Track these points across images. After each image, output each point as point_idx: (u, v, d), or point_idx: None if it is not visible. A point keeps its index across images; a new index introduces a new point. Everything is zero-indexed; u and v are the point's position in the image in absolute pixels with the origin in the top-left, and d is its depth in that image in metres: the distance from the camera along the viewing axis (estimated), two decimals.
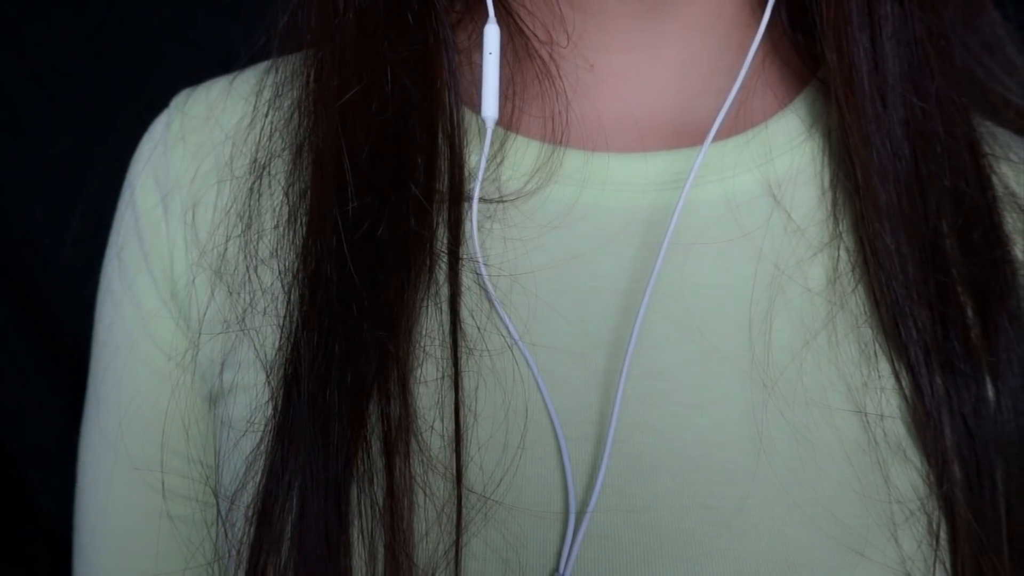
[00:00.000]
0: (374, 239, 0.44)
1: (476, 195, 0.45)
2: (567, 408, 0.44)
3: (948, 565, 0.43)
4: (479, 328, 0.44)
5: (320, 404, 0.43)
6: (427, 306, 0.44)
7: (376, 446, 0.42)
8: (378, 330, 0.43)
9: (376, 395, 0.43)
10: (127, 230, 0.52)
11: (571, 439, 0.43)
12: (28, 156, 0.79)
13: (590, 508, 0.42)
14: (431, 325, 0.44)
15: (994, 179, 0.48)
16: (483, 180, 0.46)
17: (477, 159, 0.47)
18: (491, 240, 0.45)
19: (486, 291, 0.44)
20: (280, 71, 0.51)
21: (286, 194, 0.47)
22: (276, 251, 0.47)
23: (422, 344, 0.44)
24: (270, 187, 0.48)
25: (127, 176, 0.54)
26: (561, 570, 0.42)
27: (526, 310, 0.44)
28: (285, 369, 0.44)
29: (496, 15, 0.46)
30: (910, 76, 0.47)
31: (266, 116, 0.49)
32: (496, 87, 0.46)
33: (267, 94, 0.50)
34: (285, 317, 0.45)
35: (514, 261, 0.45)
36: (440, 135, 0.46)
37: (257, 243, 0.47)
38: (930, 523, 0.43)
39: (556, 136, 0.47)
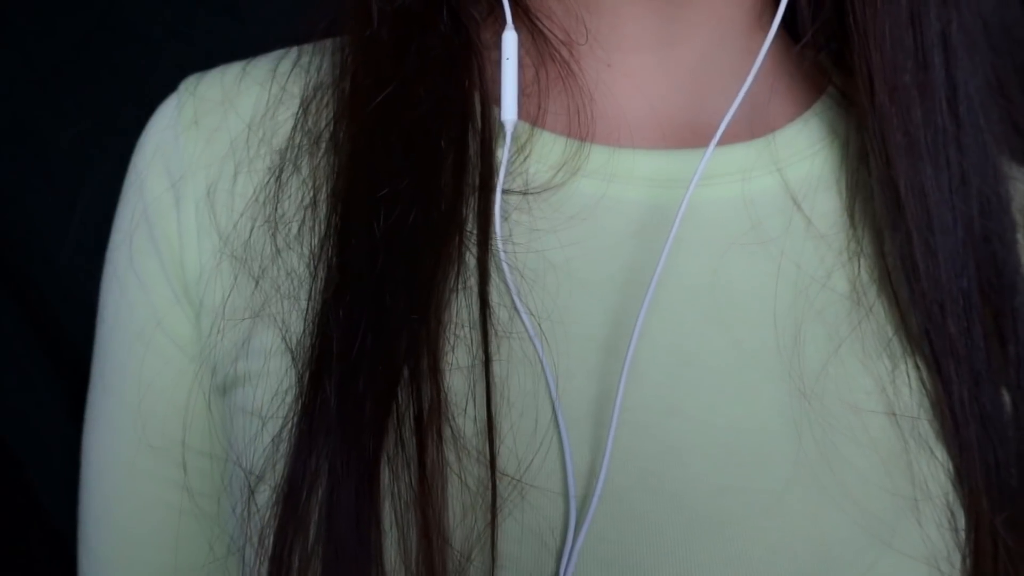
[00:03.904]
0: (406, 225, 0.45)
1: (500, 186, 0.46)
2: (585, 391, 0.44)
3: (970, 560, 0.45)
4: (509, 315, 0.45)
5: (350, 387, 0.43)
6: (457, 292, 0.45)
7: (408, 429, 0.43)
8: (409, 314, 0.44)
9: (407, 379, 0.43)
10: (136, 216, 0.52)
11: (588, 418, 0.44)
12: (28, 156, 0.79)
13: (597, 490, 0.42)
14: (461, 311, 0.45)
15: (1012, 204, 0.49)
16: (513, 174, 0.47)
17: (513, 160, 0.48)
18: (519, 231, 0.46)
19: (504, 279, 0.45)
20: (305, 60, 0.51)
21: (313, 182, 0.48)
22: (302, 237, 0.47)
23: (452, 329, 0.44)
24: (296, 174, 0.49)
25: (133, 160, 0.53)
26: (567, 552, 0.42)
27: (551, 297, 0.45)
28: (312, 352, 0.45)
29: (515, 18, 0.48)
30: (946, 88, 0.47)
31: (295, 104, 0.50)
32: (515, 91, 0.47)
33: (284, 81, 0.51)
34: (310, 301, 0.46)
35: (542, 251, 0.46)
36: (470, 132, 0.47)
37: (284, 229, 0.48)
38: (954, 519, 0.45)
39: (581, 131, 0.48)
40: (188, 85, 0.53)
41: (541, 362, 0.44)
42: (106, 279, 0.54)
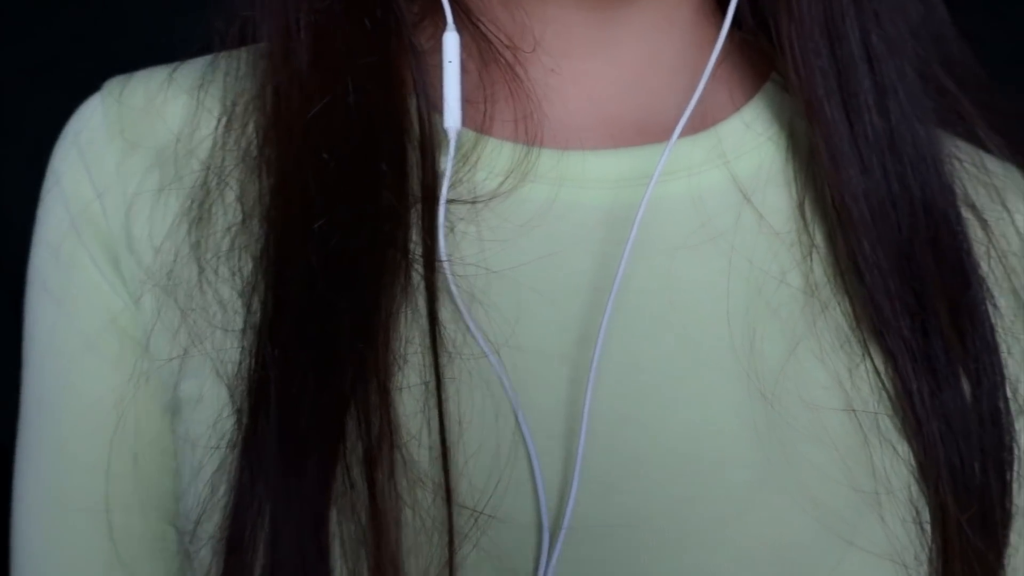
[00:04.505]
0: (345, 250, 0.43)
1: (444, 198, 0.44)
2: (549, 409, 0.43)
3: (936, 555, 0.44)
4: (462, 334, 0.43)
5: (292, 422, 0.40)
6: (405, 312, 0.43)
7: (356, 466, 0.40)
8: (354, 343, 0.41)
9: (355, 412, 0.41)
10: (61, 226, 0.48)
11: (555, 438, 0.42)
12: (27, 156, 0.78)
13: (567, 519, 0.41)
14: (410, 332, 0.42)
15: (957, 189, 0.48)
16: (457, 183, 0.45)
17: (458, 166, 0.46)
18: (467, 242, 0.45)
19: (452, 295, 0.43)
20: (226, 68, 0.48)
21: (242, 204, 0.45)
22: (233, 264, 0.44)
23: (402, 352, 0.42)
24: (223, 196, 0.45)
25: (52, 165, 0.49)
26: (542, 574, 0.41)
27: (506, 311, 0.44)
28: (250, 385, 0.42)
29: (457, 22, 0.46)
30: (874, 93, 0.47)
31: (216, 117, 0.47)
32: (457, 95, 0.45)
33: (212, 90, 0.48)
34: (245, 331, 0.43)
35: (491, 262, 0.44)
36: (409, 143, 0.45)
37: (212, 255, 0.45)
38: (918, 514, 0.44)
39: (529, 136, 0.47)
40: (112, 89, 0.49)
41: (500, 381, 0.42)
42: (32, 293, 0.50)
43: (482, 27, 0.47)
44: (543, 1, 0.46)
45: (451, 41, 0.45)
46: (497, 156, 0.46)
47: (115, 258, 0.47)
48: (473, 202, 0.45)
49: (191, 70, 0.49)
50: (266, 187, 0.45)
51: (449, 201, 0.45)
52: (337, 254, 0.42)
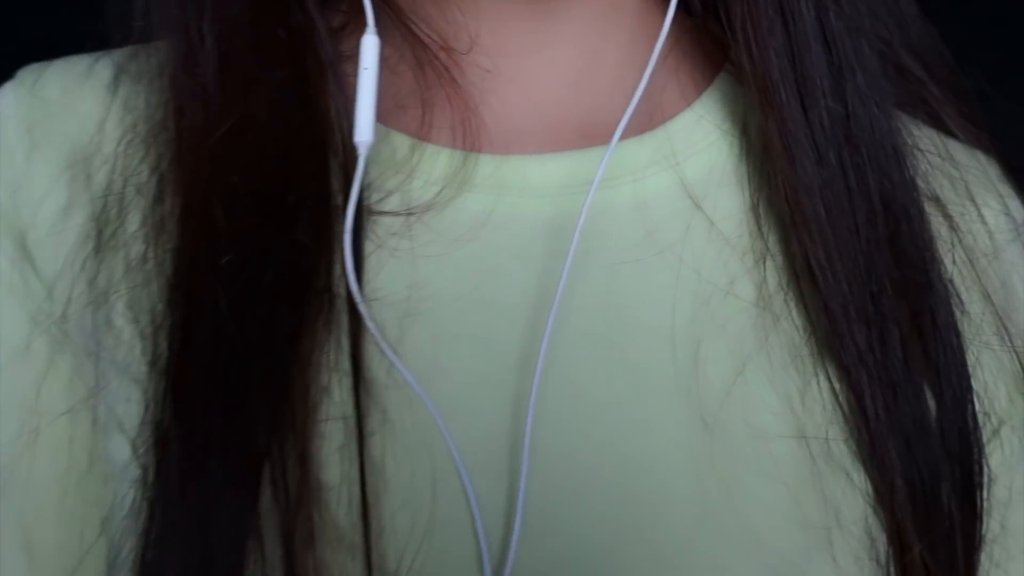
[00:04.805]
0: (257, 283, 0.39)
1: (350, 221, 0.40)
2: (487, 443, 0.40)
3: None
4: (388, 369, 0.40)
5: (197, 486, 0.37)
6: (327, 353, 0.39)
7: (272, 531, 0.37)
8: (268, 390, 0.38)
9: (269, 470, 0.37)
10: None
11: (488, 474, 0.39)
12: None
13: (509, 560, 0.38)
14: (332, 373, 0.39)
15: (919, 182, 0.44)
16: (391, 194, 0.42)
17: (392, 175, 0.43)
18: (396, 261, 0.41)
19: (372, 331, 0.39)
20: (137, 71, 0.43)
21: (146, 233, 0.41)
22: (136, 299, 0.40)
23: (322, 397, 0.39)
24: (126, 223, 0.41)
25: None
26: None
27: (435, 335, 0.41)
28: (152, 442, 0.38)
29: (386, 23, 0.43)
30: (830, 77, 0.43)
31: (122, 130, 0.42)
32: (371, 106, 0.41)
33: (123, 93, 0.43)
34: (149, 378, 0.39)
35: (423, 281, 0.41)
36: (331, 162, 0.41)
37: (113, 290, 0.40)
38: (874, 547, 0.41)
39: (467, 142, 0.43)
40: (25, 78, 0.44)
41: (433, 415, 0.39)
42: None
43: (413, 27, 0.44)
44: None
45: (369, 45, 0.42)
46: (434, 164, 0.43)
47: (30, 256, 0.42)
48: (407, 214, 0.42)
49: (111, 62, 0.45)
50: (170, 215, 0.41)
51: (381, 213, 0.42)
52: (248, 291, 0.39)
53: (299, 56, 0.43)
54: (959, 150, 0.48)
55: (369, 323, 0.39)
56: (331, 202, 0.41)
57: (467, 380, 0.40)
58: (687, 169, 0.44)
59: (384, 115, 0.43)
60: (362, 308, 0.39)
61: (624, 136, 0.44)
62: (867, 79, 0.43)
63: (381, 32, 0.43)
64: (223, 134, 0.41)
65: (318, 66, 0.43)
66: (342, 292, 0.40)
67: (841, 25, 0.43)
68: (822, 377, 0.42)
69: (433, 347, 0.41)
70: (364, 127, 0.41)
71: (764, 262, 0.43)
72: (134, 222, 0.41)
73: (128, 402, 0.40)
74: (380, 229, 0.42)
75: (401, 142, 0.43)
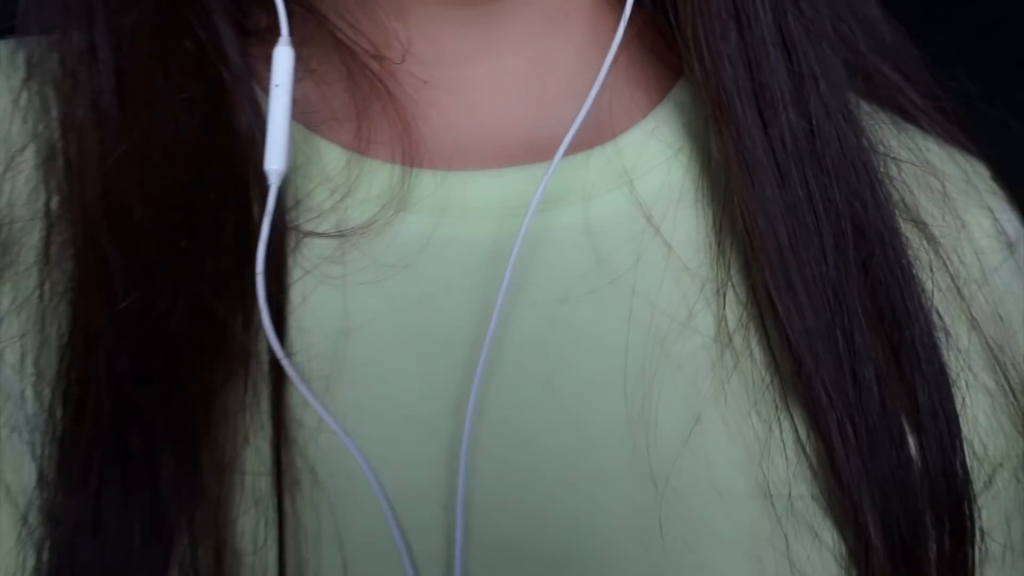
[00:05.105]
0: (164, 334, 0.34)
1: (260, 265, 0.35)
2: (415, 491, 0.36)
3: None
4: (318, 415, 0.35)
5: (99, 570, 0.33)
6: (245, 409, 0.35)
7: None
8: (177, 458, 0.34)
9: (179, 550, 0.33)
10: None
11: (422, 531, 0.35)
12: None
13: None
14: (250, 431, 0.35)
15: (895, 199, 0.40)
16: (326, 213, 0.38)
17: (326, 193, 0.38)
18: (327, 289, 0.37)
19: (296, 384, 0.35)
20: (32, 65, 0.38)
21: (39, 269, 0.36)
22: (25, 352, 0.35)
23: (241, 455, 0.34)
24: (19, 259, 0.36)
25: None
26: None
27: (368, 373, 0.36)
28: (44, 524, 0.34)
29: (311, 30, 0.38)
30: (791, 87, 0.38)
31: (13, 146, 0.37)
32: (284, 128, 0.36)
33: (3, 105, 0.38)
34: (41, 446, 0.34)
35: (355, 311, 0.37)
36: (253, 187, 0.37)
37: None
38: None
39: (407, 157, 0.39)
40: None
41: (363, 469, 0.35)
42: None
43: (339, 34, 0.39)
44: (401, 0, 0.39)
45: (282, 58, 0.37)
46: (372, 181, 0.39)
47: None
48: (340, 236, 0.38)
49: (19, 47, 0.40)
50: (61, 252, 0.36)
51: (311, 235, 0.37)
52: (152, 343, 0.34)
53: (211, 69, 0.38)
54: (941, 157, 0.43)
55: (293, 375, 0.35)
56: (249, 235, 0.36)
57: (401, 424, 0.36)
58: (641, 187, 0.40)
59: (318, 126, 0.39)
60: (285, 364, 0.35)
61: (573, 151, 0.39)
62: (831, 88, 0.39)
63: (307, 38, 0.39)
64: (121, 158, 0.36)
65: (235, 79, 0.38)
66: (262, 343, 0.35)
67: (801, 28, 0.39)
68: (787, 424, 0.37)
69: (365, 387, 0.36)
70: (275, 153, 0.36)
71: (725, 293, 0.38)
72: (26, 259, 0.37)
73: (18, 470, 0.35)
74: (311, 252, 0.37)
75: (336, 156, 0.39)
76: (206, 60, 0.38)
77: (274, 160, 0.36)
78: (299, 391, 0.35)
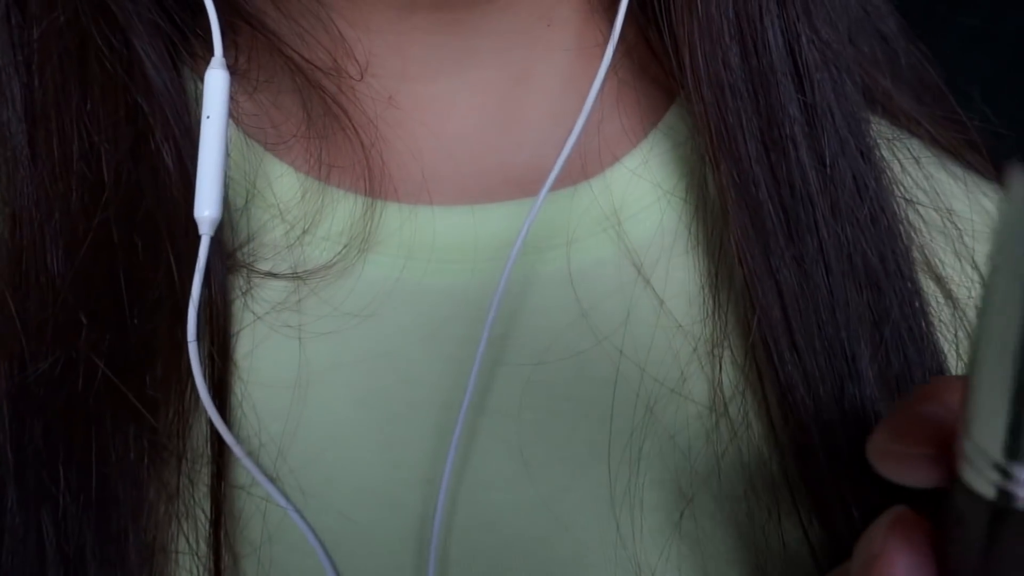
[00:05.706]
0: (81, 407, 0.30)
1: (193, 324, 0.31)
2: (375, 571, 0.32)
3: None
4: (257, 493, 0.32)
5: None
6: (181, 490, 0.31)
7: None
8: (103, 555, 0.30)
9: None
10: None
11: None
12: None
13: None
14: (187, 514, 0.31)
15: (915, 254, 0.35)
16: (280, 251, 0.33)
17: (280, 226, 0.34)
18: (280, 339, 0.33)
19: (243, 462, 0.31)
20: None
21: None
22: None
23: (175, 544, 0.31)
24: None
25: None
26: None
27: (327, 436, 0.32)
28: None
29: (254, 45, 0.34)
30: (804, 120, 0.34)
31: None
32: (217, 166, 0.32)
33: None
34: None
35: (311, 363, 0.33)
36: (189, 231, 0.32)
37: None
38: None
39: (372, 187, 0.35)
40: None
41: (318, 554, 0.31)
42: None
43: (289, 51, 0.34)
44: (358, 4, 0.34)
45: (215, 84, 0.32)
46: (333, 215, 0.34)
47: None
48: (295, 278, 0.33)
49: None
50: None
51: (264, 276, 0.33)
52: (66, 416, 0.30)
53: (142, 89, 0.33)
54: (958, 198, 0.39)
55: (238, 452, 0.31)
56: (183, 289, 0.32)
57: (364, 499, 0.32)
58: (631, 230, 0.36)
59: (275, 146, 0.35)
60: (230, 442, 0.31)
61: (556, 187, 0.35)
62: (848, 121, 0.34)
63: (252, 53, 0.34)
64: (31, 198, 0.32)
65: (171, 102, 0.33)
66: (201, 410, 0.31)
67: (816, 54, 0.34)
68: (787, 511, 0.33)
69: (324, 453, 0.32)
70: (207, 197, 0.31)
71: (722, 353, 0.34)
72: None
73: None
74: (263, 295, 0.33)
75: (293, 184, 0.34)
76: (134, 82, 0.33)
77: (205, 206, 0.32)
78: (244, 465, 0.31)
